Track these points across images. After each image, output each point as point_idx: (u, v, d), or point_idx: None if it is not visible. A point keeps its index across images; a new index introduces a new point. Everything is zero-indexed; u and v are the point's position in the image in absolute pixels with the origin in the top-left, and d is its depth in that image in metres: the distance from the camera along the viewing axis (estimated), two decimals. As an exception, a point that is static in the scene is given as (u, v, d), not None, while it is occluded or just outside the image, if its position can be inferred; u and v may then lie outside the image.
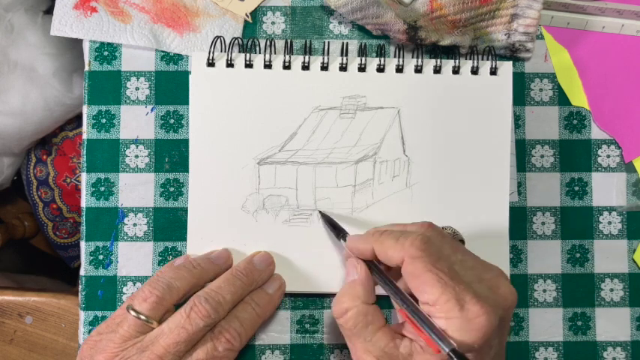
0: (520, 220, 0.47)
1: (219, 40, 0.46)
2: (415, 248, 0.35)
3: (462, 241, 0.44)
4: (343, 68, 0.46)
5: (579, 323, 0.47)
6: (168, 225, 0.47)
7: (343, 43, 0.46)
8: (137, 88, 0.47)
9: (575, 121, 0.48)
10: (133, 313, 0.39)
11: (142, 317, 0.38)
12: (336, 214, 0.45)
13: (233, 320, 0.41)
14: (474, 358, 0.34)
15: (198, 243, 0.45)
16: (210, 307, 0.39)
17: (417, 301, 0.36)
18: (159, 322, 0.39)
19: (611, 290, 0.47)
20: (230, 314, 0.41)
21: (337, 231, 0.43)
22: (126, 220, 0.47)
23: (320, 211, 0.45)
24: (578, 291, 0.47)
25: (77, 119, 0.79)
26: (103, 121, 0.47)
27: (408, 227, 0.38)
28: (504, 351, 0.37)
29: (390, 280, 0.38)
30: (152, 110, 0.47)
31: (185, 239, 0.46)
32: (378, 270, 0.39)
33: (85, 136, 0.47)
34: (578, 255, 0.47)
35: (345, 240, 0.41)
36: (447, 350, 0.32)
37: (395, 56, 0.46)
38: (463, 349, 0.33)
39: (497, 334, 0.34)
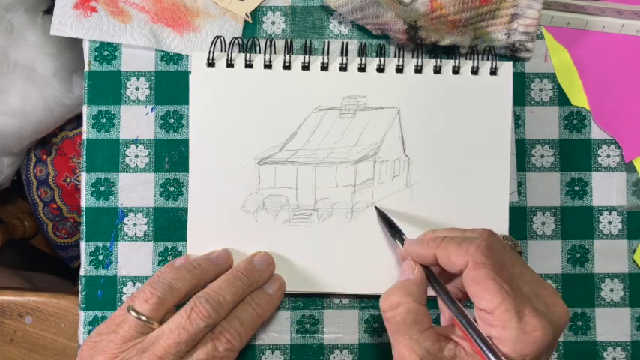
0: (520, 220, 0.47)
1: (219, 40, 0.46)
2: (480, 254, 0.35)
3: (520, 253, 0.43)
4: (343, 68, 0.46)
5: (579, 323, 0.47)
6: (168, 225, 0.47)
7: (343, 43, 0.46)
8: (137, 88, 0.47)
9: (575, 121, 0.48)
10: (133, 313, 0.39)
11: (143, 318, 0.38)
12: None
13: (233, 320, 0.41)
14: None
15: (198, 243, 0.45)
16: (210, 308, 0.39)
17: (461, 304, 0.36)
18: (159, 323, 0.39)
19: (611, 290, 0.47)
20: (230, 314, 0.41)
21: (393, 230, 0.43)
22: (126, 220, 0.47)
23: (376, 207, 0.45)
24: (578, 291, 0.47)
25: (77, 119, 0.79)
26: (103, 121, 0.47)
27: (467, 233, 0.38)
28: None
29: (444, 287, 0.38)
30: (152, 110, 0.47)
31: (185, 239, 0.46)
32: (434, 276, 0.39)
33: (85, 136, 0.47)
34: (578, 255, 0.47)
35: (400, 241, 0.42)
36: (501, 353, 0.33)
37: (395, 56, 0.46)
38: (515, 359, 0.33)
39: (546, 350, 0.34)
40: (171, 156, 0.47)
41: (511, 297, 0.33)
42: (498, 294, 0.33)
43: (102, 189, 0.47)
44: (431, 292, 0.39)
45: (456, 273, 0.37)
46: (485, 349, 0.34)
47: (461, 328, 0.35)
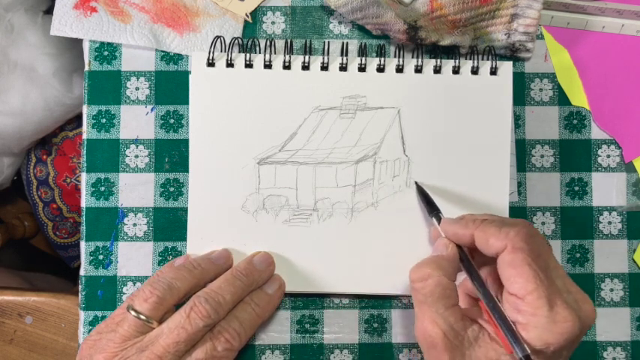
0: (520, 220, 0.47)
1: (219, 40, 0.46)
2: (520, 239, 0.35)
3: (550, 247, 0.43)
4: (343, 68, 0.46)
5: (579, 323, 0.47)
6: (168, 225, 0.47)
7: (343, 43, 0.46)
8: (137, 88, 0.47)
9: (575, 121, 0.48)
10: (133, 313, 0.39)
11: (142, 317, 0.38)
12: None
13: (233, 320, 0.41)
14: (540, 359, 0.34)
15: (198, 243, 0.45)
16: (210, 308, 0.39)
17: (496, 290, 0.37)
18: (159, 322, 0.39)
19: (611, 290, 0.47)
20: (230, 314, 0.41)
21: (431, 207, 0.43)
22: (126, 220, 0.47)
23: (416, 182, 0.45)
24: (578, 291, 0.47)
25: (77, 119, 0.79)
26: (103, 121, 0.47)
27: (506, 220, 0.38)
28: None
29: (475, 268, 0.38)
30: (152, 110, 0.47)
31: (185, 239, 0.46)
32: (467, 256, 0.39)
33: (84, 136, 0.47)
34: (578, 255, 0.47)
35: (437, 219, 0.42)
36: (521, 355, 0.33)
37: (395, 56, 0.46)
38: (538, 347, 0.33)
39: (570, 346, 0.35)
40: (171, 156, 0.47)
41: (545, 285, 0.34)
42: (533, 280, 0.34)
43: (102, 189, 0.47)
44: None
45: (490, 256, 0.37)
46: (511, 339, 0.34)
47: (486, 311, 0.36)
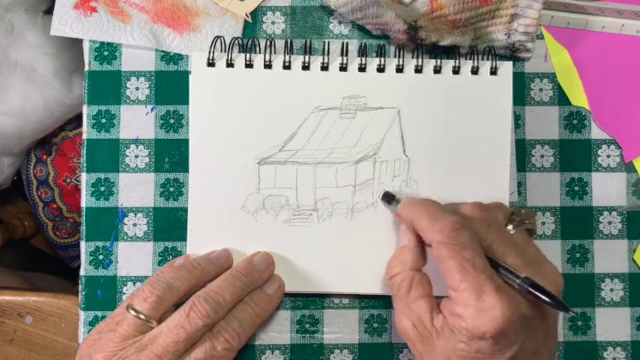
0: (520, 220, 0.47)
1: (219, 40, 0.46)
2: (442, 235, 0.36)
3: (532, 231, 0.42)
4: (343, 68, 0.46)
5: (579, 323, 0.47)
6: (168, 225, 0.47)
7: (343, 43, 0.46)
8: (137, 88, 0.47)
9: (575, 121, 0.48)
10: (132, 312, 0.39)
11: (142, 317, 0.38)
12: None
13: (232, 320, 0.41)
14: (490, 346, 0.34)
15: (198, 243, 0.45)
16: (209, 307, 0.39)
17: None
18: (158, 322, 0.39)
19: (612, 290, 0.47)
20: (229, 314, 0.41)
21: (389, 197, 0.44)
22: (126, 220, 0.47)
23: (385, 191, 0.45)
24: (579, 291, 0.47)
25: (77, 119, 0.79)
26: (103, 121, 0.47)
27: (440, 211, 0.39)
28: (551, 354, 0.38)
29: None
30: (152, 110, 0.47)
31: (185, 239, 0.46)
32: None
33: (84, 136, 0.47)
34: (578, 255, 0.47)
35: (396, 203, 0.43)
36: (521, 278, 0.35)
37: (395, 56, 0.46)
38: (476, 336, 0.34)
39: (519, 330, 0.35)
40: (171, 156, 0.47)
41: (471, 276, 0.34)
42: (457, 273, 0.35)
43: (102, 189, 0.47)
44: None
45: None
46: (505, 272, 0.36)
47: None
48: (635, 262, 0.47)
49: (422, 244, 0.40)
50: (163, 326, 0.38)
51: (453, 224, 0.36)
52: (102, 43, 0.47)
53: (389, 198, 0.44)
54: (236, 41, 0.46)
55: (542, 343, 0.37)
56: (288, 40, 0.46)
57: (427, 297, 0.38)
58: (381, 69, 0.46)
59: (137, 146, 0.47)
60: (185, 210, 0.46)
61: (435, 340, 0.36)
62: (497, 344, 0.34)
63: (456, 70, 0.46)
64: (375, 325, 0.46)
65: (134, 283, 0.46)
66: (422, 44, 0.46)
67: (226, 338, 0.40)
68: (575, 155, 0.47)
